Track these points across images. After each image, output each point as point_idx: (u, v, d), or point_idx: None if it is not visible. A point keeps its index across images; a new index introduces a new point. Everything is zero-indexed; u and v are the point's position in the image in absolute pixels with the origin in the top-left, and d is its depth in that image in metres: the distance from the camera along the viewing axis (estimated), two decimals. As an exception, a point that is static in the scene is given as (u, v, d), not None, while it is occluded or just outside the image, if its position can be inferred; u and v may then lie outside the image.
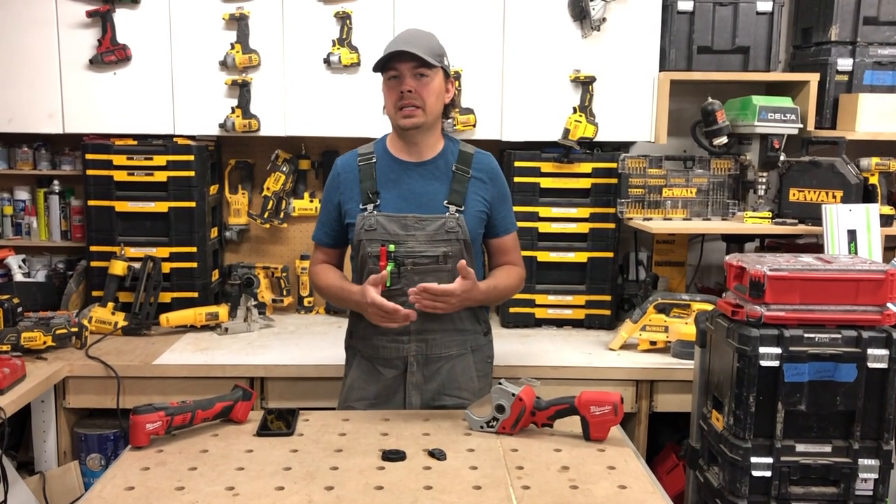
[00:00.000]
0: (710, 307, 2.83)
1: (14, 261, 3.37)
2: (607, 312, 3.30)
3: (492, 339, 2.43)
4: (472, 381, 2.32)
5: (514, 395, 1.98)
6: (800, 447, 2.07)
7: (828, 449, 2.07)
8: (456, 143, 2.32)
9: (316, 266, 2.37)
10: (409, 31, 2.22)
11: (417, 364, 2.27)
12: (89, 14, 3.10)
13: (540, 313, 3.31)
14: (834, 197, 2.98)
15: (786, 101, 3.05)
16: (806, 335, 2.03)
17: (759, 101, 3.02)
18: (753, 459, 2.06)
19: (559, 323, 3.33)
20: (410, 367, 2.27)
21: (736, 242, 3.31)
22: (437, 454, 1.86)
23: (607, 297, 3.29)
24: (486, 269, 2.44)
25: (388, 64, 2.14)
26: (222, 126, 3.20)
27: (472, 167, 2.26)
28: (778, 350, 2.02)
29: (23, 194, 3.49)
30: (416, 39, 2.15)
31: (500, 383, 2.01)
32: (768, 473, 2.07)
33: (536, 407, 2.00)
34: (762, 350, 2.02)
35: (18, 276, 3.36)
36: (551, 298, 3.30)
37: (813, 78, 3.15)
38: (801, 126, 3.06)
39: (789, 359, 2.02)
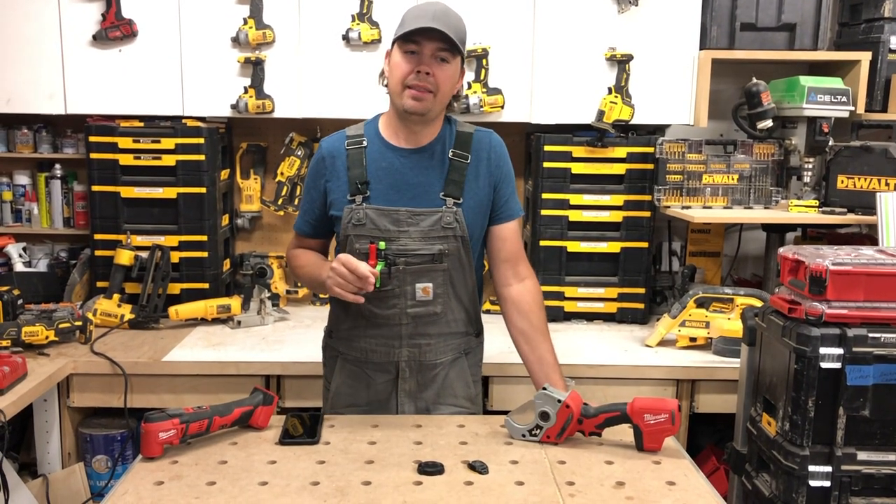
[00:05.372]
0: (755, 302, 2.69)
1: (14, 249, 3.22)
2: (641, 306, 3.15)
3: (483, 340, 2.23)
4: (469, 387, 2.15)
5: (560, 401, 1.81)
6: (861, 455, 1.95)
7: (893, 458, 1.94)
8: (454, 124, 2.07)
9: (294, 249, 2.17)
10: (439, 7, 1.95)
11: (410, 371, 2.08)
12: (92, -13, 2.93)
13: (569, 307, 3.15)
14: (887, 184, 2.83)
15: (836, 82, 2.89)
16: (871, 335, 1.90)
17: (807, 81, 2.85)
18: (811, 468, 1.94)
19: (590, 317, 3.17)
20: (403, 374, 2.08)
21: (777, 232, 3.14)
22: (478, 467, 1.69)
23: (641, 290, 3.14)
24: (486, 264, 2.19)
25: (411, 36, 1.90)
26: (234, 107, 3.02)
27: (472, 150, 2.04)
28: (840, 351, 1.90)
29: (23, 179, 3.34)
30: (446, 18, 1.91)
31: (544, 388, 1.85)
32: (827, 483, 1.94)
33: (584, 414, 1.83)
34: (823, 351, 1.90)
35: (19, 266, 3.22)
36: (581, 291, 3.14)
37: (864, 57, 2.97)
38: (852, 109, 2.90)
39: (852, 360, 1.90)
